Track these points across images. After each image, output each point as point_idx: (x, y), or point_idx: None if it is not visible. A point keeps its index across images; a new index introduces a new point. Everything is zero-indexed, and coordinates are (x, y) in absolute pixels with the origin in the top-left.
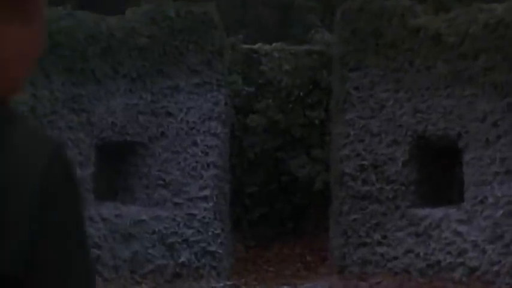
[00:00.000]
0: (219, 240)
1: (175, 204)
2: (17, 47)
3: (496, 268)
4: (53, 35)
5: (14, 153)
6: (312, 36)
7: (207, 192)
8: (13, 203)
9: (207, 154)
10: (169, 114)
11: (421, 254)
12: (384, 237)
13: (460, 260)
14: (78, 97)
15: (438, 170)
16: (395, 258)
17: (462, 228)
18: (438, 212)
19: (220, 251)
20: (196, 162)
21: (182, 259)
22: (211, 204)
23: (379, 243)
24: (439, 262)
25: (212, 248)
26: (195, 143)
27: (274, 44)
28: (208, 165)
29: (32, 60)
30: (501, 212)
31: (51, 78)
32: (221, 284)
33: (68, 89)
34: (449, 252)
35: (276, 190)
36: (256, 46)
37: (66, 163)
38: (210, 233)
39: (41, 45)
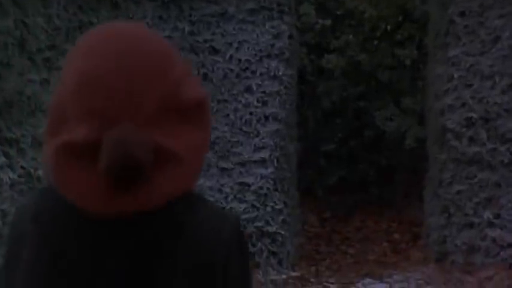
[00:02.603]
0: (281, 218)
1: (223, 170)
2: (193, 147)
3: None
4: None
5: (202, 230)
6: None
7: (265, 154)
8: (205, 268)
9: (265, 103)
10: (214, 50)
11: None
12: (497, 216)
13: None
14: (88, 27)
15: None
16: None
17: None
18: None
19: (283, 232)
20: (251, 114)
21: None
22: (270, 170)
23: (491, 225)
24: None
25: (271, 229)
26: (248, 89)
27: None
28: (266, 118)
29: (203, 160)
30: None
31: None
32: (283, 276)
33: (72, 15)
34: None
35: (357, 148)
36: None
37: (242, 234)
38: (268, 209)
39: (208, 147)
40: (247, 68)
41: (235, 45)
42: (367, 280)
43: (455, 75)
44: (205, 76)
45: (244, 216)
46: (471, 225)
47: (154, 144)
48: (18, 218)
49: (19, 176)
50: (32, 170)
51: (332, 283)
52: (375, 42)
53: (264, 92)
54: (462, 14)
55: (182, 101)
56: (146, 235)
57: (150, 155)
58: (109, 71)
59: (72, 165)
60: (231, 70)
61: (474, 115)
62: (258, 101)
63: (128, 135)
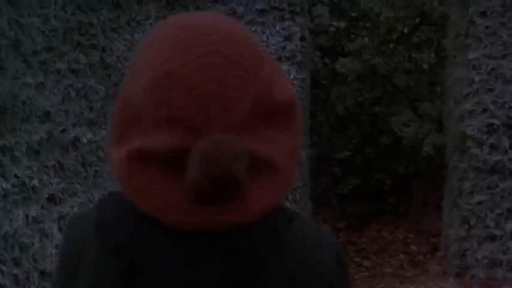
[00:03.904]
0: None
1: None
2: (286, 153)
3: None
4: None
5: (300, 245)
6: None
7: None
8: (304, 286)
9: None
10: None
11: None
12: None
13: None
14: (87, 27)
15: None
16: None
17: None
18: None
19: None
20: None
21: None
22: None
23: None
24: None
25: None
26: None
27: None
28: None
29: (296, 167)
30: None
31: None
32: None
33: (70, 15)
34: None
35: (373, 155)
36: None
37: (340, 251)
38: None
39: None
40: None
41: None
42: None
43: (476, 79)
44: None
45: None
46: (493, 238)
47: (250, 152)
48: (75, 228)
49: (13, 186)
50: (26, 179)
51: None
52: (391, 45)
53: None
54: (483, 14)
55: (273, 102)
56: (241, 249)
57: (246, 166)
58: (194, 71)
59: (148, 174)
60: None
61: (496, 121)
62: None
63: (222, 146)
